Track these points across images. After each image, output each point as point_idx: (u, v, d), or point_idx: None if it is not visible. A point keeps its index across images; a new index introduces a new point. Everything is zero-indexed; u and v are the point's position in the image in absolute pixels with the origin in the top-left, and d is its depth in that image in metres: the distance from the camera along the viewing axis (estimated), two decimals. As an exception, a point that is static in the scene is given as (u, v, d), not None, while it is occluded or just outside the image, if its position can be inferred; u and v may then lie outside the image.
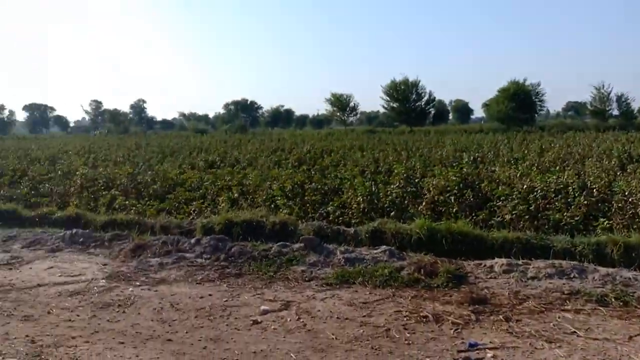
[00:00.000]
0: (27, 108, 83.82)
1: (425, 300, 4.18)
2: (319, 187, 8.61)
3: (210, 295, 4.44)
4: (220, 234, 6.21)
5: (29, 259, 5.64)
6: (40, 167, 12.39)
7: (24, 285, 4.72)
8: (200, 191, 8.96)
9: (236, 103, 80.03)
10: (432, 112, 54.45)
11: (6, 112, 72.11)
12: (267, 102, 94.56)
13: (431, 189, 7.55)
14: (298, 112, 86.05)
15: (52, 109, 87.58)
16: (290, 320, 3.86)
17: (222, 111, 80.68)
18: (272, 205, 7.74)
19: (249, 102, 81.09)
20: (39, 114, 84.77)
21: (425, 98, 50.40)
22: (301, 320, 3.85)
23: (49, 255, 5.80)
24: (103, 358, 3.24)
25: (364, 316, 3.88)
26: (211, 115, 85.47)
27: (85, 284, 4.76)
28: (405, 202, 7.45)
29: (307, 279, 4.86)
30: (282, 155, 15.39)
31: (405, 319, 3.79)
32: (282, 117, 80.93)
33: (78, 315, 3.96)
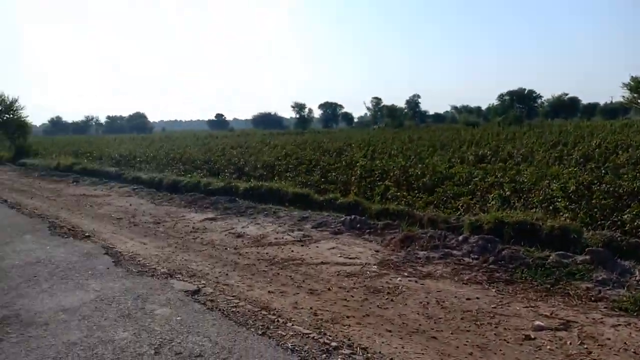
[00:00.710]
0: (322, 106, 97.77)
1: None
2: (612, 189, 7.22)
3: (477, 298, 4.22)
4: (489, 233, 5.84)
5: (316, 238, 6.48)
6: (329, 157, 14.17)
7: (311, 262, 5.44)
8: (469, 186, 8.67)
9: (512, 93, 74.83)
10: None
11: (306, 110, 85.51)
12: (547, 91, 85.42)
13: None
14: (585, 100, 74.93)
15: (341, 106, 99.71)
16: (570, 343, 3.31)
17: (495, 102, 76.81)
18: (550, 208, 6.86)
19: (526, 92, 74.81)
20: (331, 111, 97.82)
21: None
22: (584, 346, 3.26)
23: (332, 237, 6.54)
24: (372, 342, 3.42)
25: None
26: (484, 107, 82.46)
27: (359, 267, 5.17)
28: None
29: (593, 298, 4.11)
30: (563, 150, 13.58)
31: None
32: (564, 107, 71.79)
33: (352, 297, 4.32)
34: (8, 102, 28.89)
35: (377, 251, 5.78)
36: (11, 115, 28.63)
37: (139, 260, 5.61)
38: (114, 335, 3.58)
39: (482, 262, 5.13)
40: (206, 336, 3.53)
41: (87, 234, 7.04)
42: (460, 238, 5.75)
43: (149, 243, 6.50)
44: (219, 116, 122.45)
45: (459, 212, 7.21)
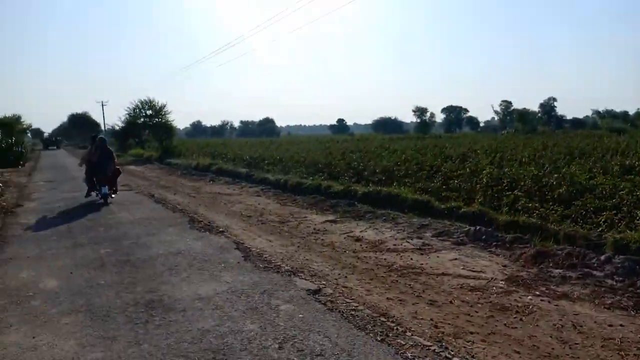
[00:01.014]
0: (445, 110, 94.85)
1: None
2: None
3: (621, 325, 3.74)
4: (637, 254, 5.16)
5: (437, 247, 6.29)
6: (452, 164, 13.66)
7: (432, 272, 5.28)
8: (614, 200, 7.72)
9: (669, 95, 65.27)
10: None
11: (428, 114, 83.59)
12: None
13: None
14: None
15: (466, 110, 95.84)
16: None
17: (646, 106, 67.59)
18: None
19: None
20: (454, 115, 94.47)
21: None
22: None
23: (454, 247, 6.29)
24: (496, 362, 3.22)
25: None
26: (631, 112, 73.15)
27: (485, 281, 4.89)
28: None
29: None
30: None
31: None
32: None
33: (476, 312, 4.10)
34: (158, 107, 32.69)
35: (504, 266, 5.42)
36: (160, 119, 32.40)
37: (265, 257, 5.95)
38: (243, 326, 3.83)
39: (628, 285, 4.54)
40: (327, 336, 3.62)
41: (221, 229, 7.65)
42: (603, 258, 5.16)
43: (274, 241, 6.86)
44: (340, 121, 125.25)
45: (600, 229, 6.46)
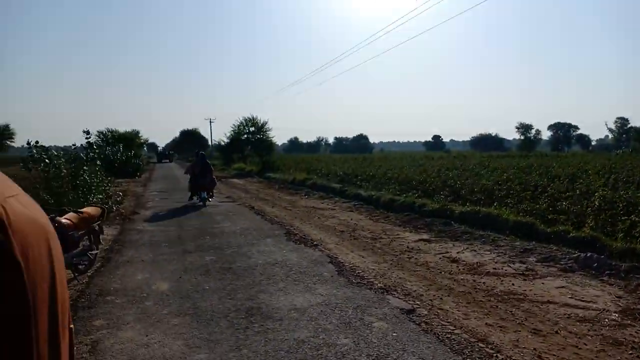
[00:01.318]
0: (552, 127, 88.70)
1: None
2: None
3: None
4: None
5: (542, 273, 5.89)
6: (559, 184, 12.74)
7: (535, 299, 4.96)
8: None
9: None
10: None
11: (533, 132, 78.81)
12: None
13: None
14: None
15: (576, 127, 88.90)
16: None
17: None
18: None
19: None
20: (562, 133, 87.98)
21: None
22: None
23: (561, 274, 5.85)
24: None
25: None
26: None
27: (595, 312, 4.50)
28: None
29: None
30: None
31: None
32: None
33: (585, 345, 3.78)
34: (260, 125, 34.47)
35: (618, 297, 4.94)
36: (261, 136, 34.12)
37: (358, 272, 5.99)
38: (336, 340, 3.90)
39: None
40: (421, 357, 3.55)
41: (315, 243, 7.84)
42: None
43: (367, 257, 6.88)
44: (436, 137, 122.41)
45: None
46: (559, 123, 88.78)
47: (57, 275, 0.42)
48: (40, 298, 0.38)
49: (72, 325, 0.47)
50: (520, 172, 17.02)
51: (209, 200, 13.60)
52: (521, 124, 78.23)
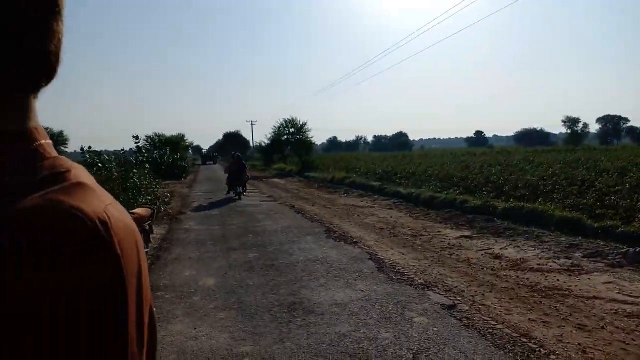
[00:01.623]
0: (601, 120, 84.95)
1: None
2: None
3: None
4: None
5: (588, 269, 5.75)
6: (608, 178, 12.26)
7: (581, 294, 4.86)
8: None
9: None
10: None
11: (580, 125, 75.76)
12: None
13: None
14: None
15: (626, 120, 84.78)
16: None
17: None
18: None
19: None
20: (612, 126, 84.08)
21: None
22: None
23: (608, 269, 5.69)
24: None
25: None
26: None
27: (645, 309, 4.37)
28: None
29: None
30: None
31: None
32: None
33: (633, 340, 3.70)
34: (299, 126, 34.89)
35: (672, 294, 4.77)
36: (301, 136, 34.54)
37: (398, 269, 6.03)
38: (377, 334, 3.97)
39: None
40: (462, 352, 3.58)
41: (354, 240, 7.92)
42: None
43: (407, 254, 6.90)
44: (478, 133, 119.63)
45: None
46: (608, 116, 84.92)
47: (143, 271, 0.53)
48: (131, 289, 0.50)
49: (154, 308, 0.58)
50: (566, 166, 16.48)
51: (244, 195, 15.78)
52: (568, 117, 75.37)
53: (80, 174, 0.53)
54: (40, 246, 0.42)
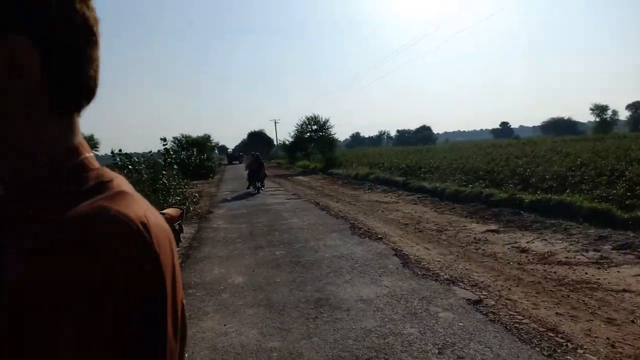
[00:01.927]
0: (631, 107, 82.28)
1: None
2: None
3: None
4: None
5: (617, 261, 5.66)
6: (639, 167, 11.93)
7: (610, 287, 4.80)
8: None
9: None
10: None
11: (609, 112, 73.55)
12: None
13: None
14: None
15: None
16: None
17: None
18: None
19: None
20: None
21: None
22: None
23: (639, 262, 5.59)
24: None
25: None
26: None
27: (677, 302, 4.30)
28: None
29: None
30: None
31: None
32: None
33: (664, 335, 3.66)
34: (322, 123, 34.99)
35: None
36: (323, 133, 34.62)
37: (423, 264, 6.06)
38: (402, 329, 4.03)
39: None
40: (488, 346, 3.60)
41: (379, 236, 7.96)
42: None
43: (432, 249, 6.91)
44: (504, 124, 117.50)
45: None
46: (638, 102, 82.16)
47: (176, 268, 0.61)
48: (167, 282, 0.57)
49: (184, 300, 0.66)
50: (595, 156, 16.08)
51: (262, 189, 17.67)
52: (596, 105, 73.26)
53: (121, 182, 0.62)
54: (95, 245, 0.51)
